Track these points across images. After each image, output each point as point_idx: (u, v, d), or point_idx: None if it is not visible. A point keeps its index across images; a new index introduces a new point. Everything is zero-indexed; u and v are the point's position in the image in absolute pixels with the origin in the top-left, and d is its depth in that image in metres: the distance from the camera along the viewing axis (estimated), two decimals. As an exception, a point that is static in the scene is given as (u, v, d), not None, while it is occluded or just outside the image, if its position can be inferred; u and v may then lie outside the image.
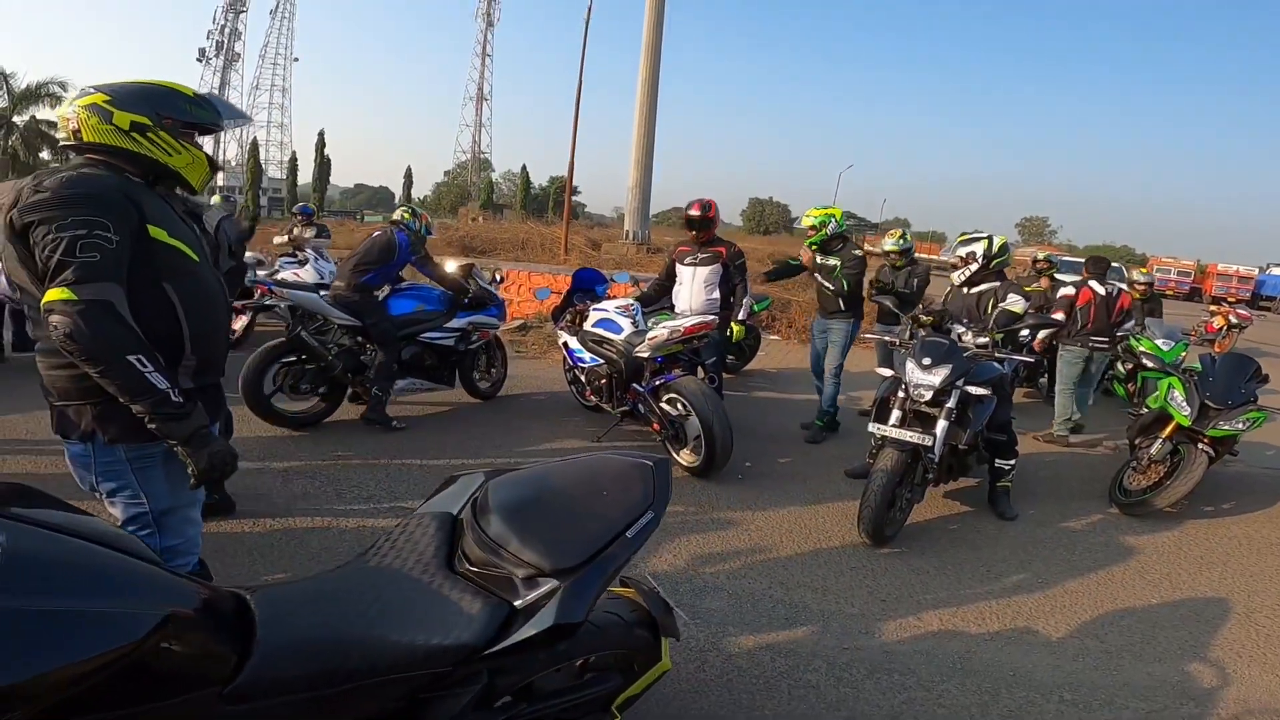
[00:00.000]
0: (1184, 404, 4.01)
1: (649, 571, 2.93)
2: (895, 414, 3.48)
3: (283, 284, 4.56)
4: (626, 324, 4.43)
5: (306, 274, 8.13)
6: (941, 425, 3.37)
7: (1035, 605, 2.99)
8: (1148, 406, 4.41)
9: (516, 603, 1.24)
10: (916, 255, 6.04)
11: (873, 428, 3.49)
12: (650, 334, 4.18)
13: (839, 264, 4.74)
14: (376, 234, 4.63)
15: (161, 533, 1.69)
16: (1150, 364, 5.70)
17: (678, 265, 4.81)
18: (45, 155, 30.30)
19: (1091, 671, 2.57)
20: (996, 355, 3.66)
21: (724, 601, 2.80)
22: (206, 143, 1.88)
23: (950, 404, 3.41)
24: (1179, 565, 3.51)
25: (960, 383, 3.44)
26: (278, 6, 60.82)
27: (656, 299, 4.93)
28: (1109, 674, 2.56)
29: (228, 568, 2.64)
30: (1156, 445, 4.06)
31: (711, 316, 4.39)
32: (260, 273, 6.62)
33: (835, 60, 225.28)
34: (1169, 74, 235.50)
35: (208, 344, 1.72)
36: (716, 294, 4.70)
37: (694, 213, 4.71)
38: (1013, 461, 3.89)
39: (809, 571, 3.11)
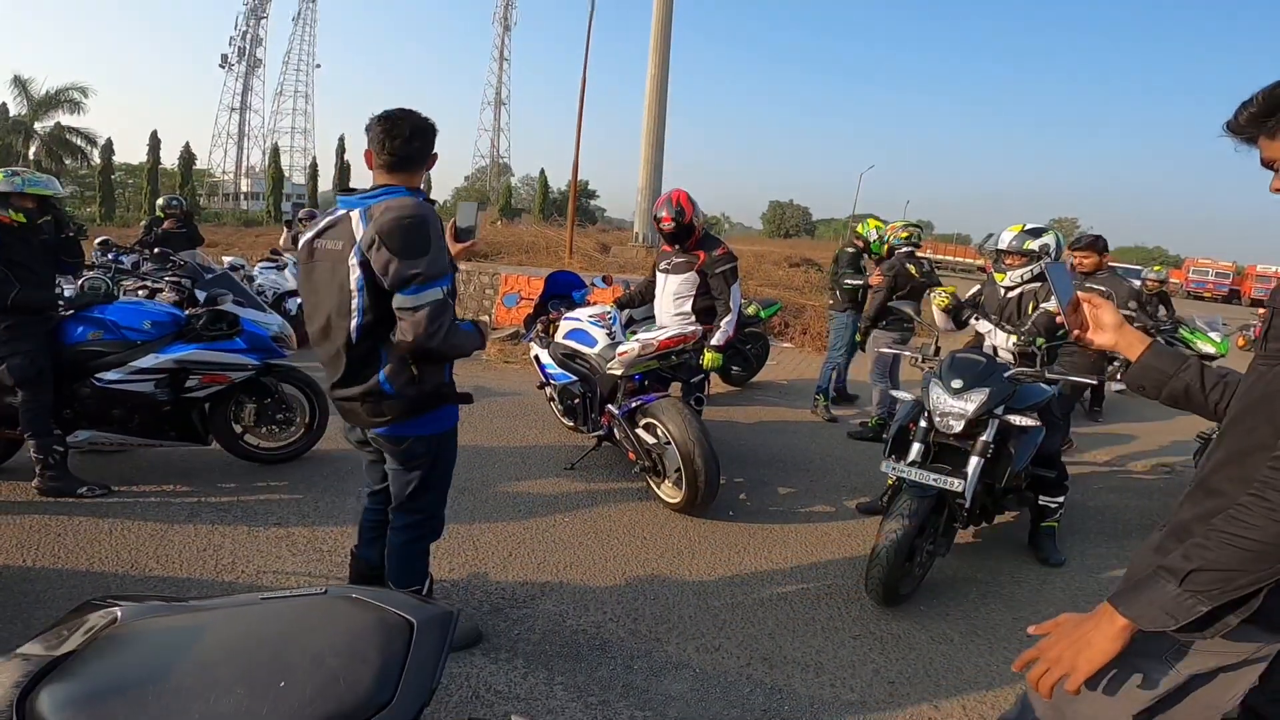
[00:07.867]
0: None
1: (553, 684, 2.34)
2: (916, 448, 2.82)
3: None
4: (601, 336, 3.84)
5: (283, 280, 7.75)
6: (974, 463, 2.72)
7: (1093, 687, 2.35)
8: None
9: None
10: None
11: (886, 466, 2.83)
12: (622, 348, 3.59)
13: None
14: None
15: None
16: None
17: (656, 270, 4.11)
18: (69, 162, 30.40)
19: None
20: (1047, 375, 2.95)
21: (687, 684, 2.21)
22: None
23: (986, 437, 2.76)
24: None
25: (1000, 410, 2.79)
26: (300, 13, 61.39)
27: (640, 301, 4.34)
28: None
29: None
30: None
31: (693, 328, 3.78)
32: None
33: (851, 55, 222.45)
34: (1194, 72, 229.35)
35: None
36: (688, 308, 3.90)
37: (665, 225, 3.81)
38: (1061, 499, 3.23)
39: (800, 642, 2.50)
